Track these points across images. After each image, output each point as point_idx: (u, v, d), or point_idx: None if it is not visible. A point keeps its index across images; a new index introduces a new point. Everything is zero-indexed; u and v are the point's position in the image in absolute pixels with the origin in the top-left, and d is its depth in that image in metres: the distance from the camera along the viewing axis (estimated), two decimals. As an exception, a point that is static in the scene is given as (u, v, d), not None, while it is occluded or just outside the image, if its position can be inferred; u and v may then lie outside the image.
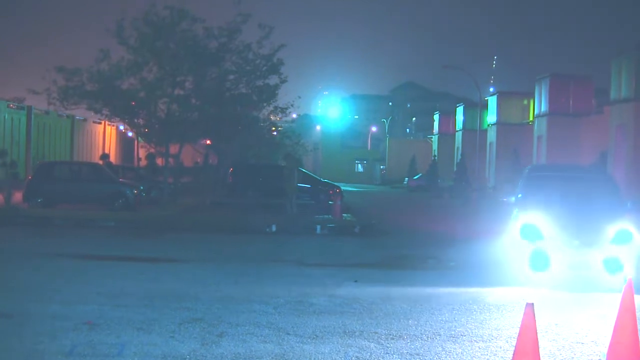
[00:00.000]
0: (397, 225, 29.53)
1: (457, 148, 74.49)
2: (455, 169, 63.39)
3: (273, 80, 33.45)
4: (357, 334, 10.33)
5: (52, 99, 31.77)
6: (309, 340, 9.89)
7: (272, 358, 8.99)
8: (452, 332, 10.63)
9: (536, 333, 7.64)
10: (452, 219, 33.94)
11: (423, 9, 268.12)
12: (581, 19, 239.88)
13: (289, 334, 10.18)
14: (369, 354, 9.33)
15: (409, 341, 10.04)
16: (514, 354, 7.70)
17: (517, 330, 7.83)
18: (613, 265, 14.56)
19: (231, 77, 33.09)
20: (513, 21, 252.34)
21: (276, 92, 33.88)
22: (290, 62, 34.69)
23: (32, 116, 60.45)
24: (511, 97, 64.32)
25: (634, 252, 14.71)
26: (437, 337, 10.34)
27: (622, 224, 14.96)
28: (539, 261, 14.87)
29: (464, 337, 10.35)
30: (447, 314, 11.81)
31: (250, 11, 31.75)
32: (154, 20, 30.83)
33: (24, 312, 11.19)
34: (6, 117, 57.71)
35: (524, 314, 7.66)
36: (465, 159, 60.00)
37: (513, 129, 60.76)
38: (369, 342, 9.90)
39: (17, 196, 29.23)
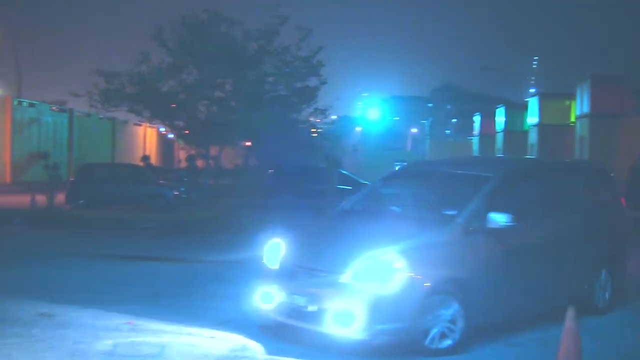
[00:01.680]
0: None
1: (498, 149, 73.98)
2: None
3: (312, 82, 33.45)
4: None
5: (94, 102, 32.00)
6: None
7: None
8: None
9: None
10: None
11: (463, 9, 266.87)
12: (622, 20, 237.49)
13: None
14: None
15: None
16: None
17: None
18: (340, 316, 9.62)
19: (270, 79, 33.11)
20: (554, 21, 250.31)
21: (316, 93, 33.84)
22: (329, 64, 34.61)
23: (74, 119, 61.05)
24: (552, 98, 63.67)
25: (379, 295, 9.60)
26: None
27: (384, 251, 9.84)
28: (265, 295, 10.65)
29: None
30: None
31: (288, 13, 31.78)
32: (193, 23, 30.98)
33: (65, 312, 11.33)
34: (49, 120, 58.30)
35: (567, 318, 8.06)
36: None
37: (554, 131, 60.16)
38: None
39: (60, 198, 29.53)
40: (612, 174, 14.45)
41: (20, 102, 55.87)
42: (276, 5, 31.68)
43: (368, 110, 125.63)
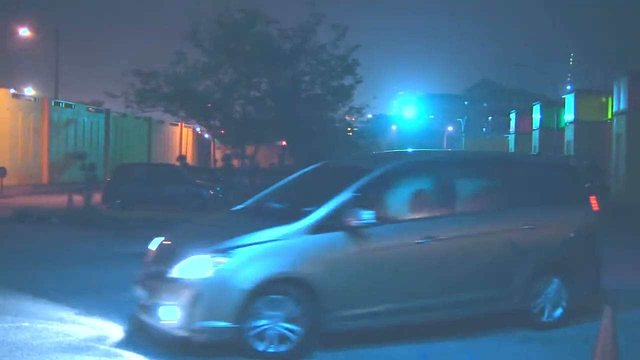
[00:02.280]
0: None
1: (534, 147, 73.47)
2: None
3: (348, 80, 33.30)
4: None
5: (130, 102, 32.08)
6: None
7: None
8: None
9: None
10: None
11: (500, 6, 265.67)
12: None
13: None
14: None
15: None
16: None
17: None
18: (166, 311, 9.68)
19: (306, 78, 33.02)
20: (591, 17, 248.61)
21: (351, 92, 33.68)
22: (365, 63, 34.42)
23: (110, 119, 61.46)
24: (589, 95, 63.12)
25: (199, 292, 9.50)
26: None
27: (210, 249, 9.73)
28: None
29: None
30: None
31: (323, 12, 31.67)
32: (228, 22, 30.96)
33: (105, 314, 11.39)
34: (85, 120, 58.71)
35: (604, 315, 7.89)
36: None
37: (591, 128, 59.61)
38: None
39: (97, 198, 29.67)
40: (575, 171, 13.27)
41: (57, 103, 56.23)
42: (311, 4, 31.64)
43: (404, 109, 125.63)
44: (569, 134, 63.51)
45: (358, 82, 33.43)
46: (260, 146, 36.01)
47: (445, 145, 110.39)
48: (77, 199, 28.71)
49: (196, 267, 9.54)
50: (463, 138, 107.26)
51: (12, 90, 54.30)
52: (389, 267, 10.25)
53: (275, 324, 9.52)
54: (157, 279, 10.00)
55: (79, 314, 11.50)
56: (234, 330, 9.38)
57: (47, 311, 11.63)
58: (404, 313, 10.39)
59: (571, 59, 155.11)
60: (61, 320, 11.11)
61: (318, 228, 9.93)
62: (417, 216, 10.86)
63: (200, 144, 78.49)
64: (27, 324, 10.68)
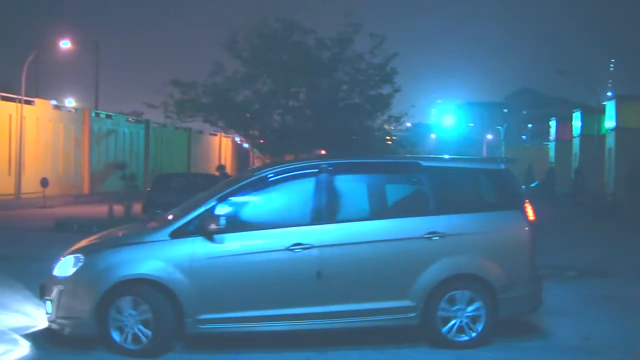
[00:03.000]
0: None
1: (575, 154, 72.88)
2: (573, 176, 62.06)
3: (386, 89, 33.26)
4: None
5: (169, 112, 32.29)
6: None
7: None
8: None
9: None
10: (570, 227, 33.19)
11: (537, 13, 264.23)
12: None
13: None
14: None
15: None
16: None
17: None
18: (48, 306, 10.59)
19: (344, 87, 33.05)
20: (632, 23, 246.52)
21: (390, 101, 33.63)
22: (404, 71, 34.34)
23: (150, 129, 61.85)
24: (631, 101, 62.26)
25: (62, 288, 10.34)
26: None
27: (77, 249, 10.82)
28: None
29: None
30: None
31: (361, 21, 31.71)
32: (266, 33, 31.06)
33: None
34: (125, 130, 59.17)
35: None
36: (583, 166, 58.65)
37: (633, 134, 58.85)
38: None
39: (137, 207, 29.85)
40: (505, 177, 11.45)
41: (97, 114, 56.72)
42: (349, 13, 31.68)
43: (443, 117, 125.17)
44: (609, 141, 62.85)
45: (396, 90, 33.37)
46: (299, 155, 36.05)
47: (485, 154, 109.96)
48: (118, 208, 28.92)
49: (65, 265, 10.41)
50: (503, 146, 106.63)
51: (54, 102, 54.94)
52: (251, 273, 10.28)
53: (131, 322, 10.05)
54: (49, 277, 10.75)
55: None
56: (94, 325, 10.03)
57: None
58: (273, 320, 10.32)
59: (612, 65, 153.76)
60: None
61: (179, 233, 10.25)
62: (288, 224, 10.62)
63: (239, 154, 78.74)
64: None
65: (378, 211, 11.02)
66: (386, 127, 37.06)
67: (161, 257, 10.15)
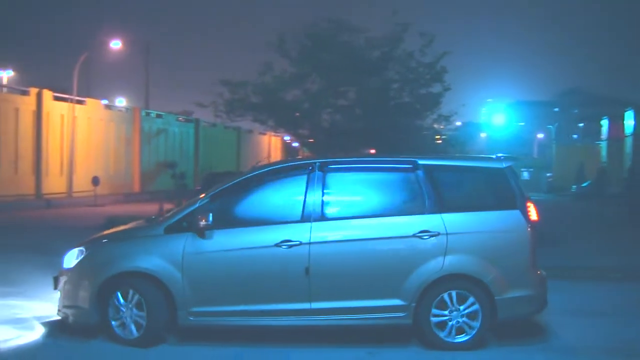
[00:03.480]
0: (565, 234, 28.80)
1: (627, 154, 72.08)
2: (626, 175, 61.34)
3: (436, 88, 33.07)
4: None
5: (219, 112, 32.40)
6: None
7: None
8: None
9: None
10: (621, 228, 32.81)
11: (591, 11, 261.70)
12: None
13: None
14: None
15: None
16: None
17: None
18: (58, 296, 11.48)
19: (394, 86, 32.91)
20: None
21: (440, 100, 33.45)
22: (454, 70, 34.10)
23: (200, 129, 62.21)
24: (683, 99, 61.66)
25: (66, 278, 11.20)
26: None
27: (83, 243, 11.63)
28: None
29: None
30: None
31: (412, 20, 31.50)
32: (315, 32, 30.99)
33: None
34: (175, 130, 59.62)
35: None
36: (635, 165, 57.94)
37: (686, 132, 58.26)
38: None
39: (186, 206, 29.96)
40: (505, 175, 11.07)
41: (148, 114, 57.19)
42: (395, 12, 31.51)
43: (493, 116, 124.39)
44: (663, 140, 62.15)
45: (446, 89, 33.15)
46: (348, 154, 35.97)
47: (535, 153, 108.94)
48: (168, 207, 29.07)
49: (70, 258, 11.11)
50: (554, 145, 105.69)
51: (105, 101, 55.45)
52: (240, 268, 10.56)
53: (128, 313, 10.62)
54: (60, 269, 11.46)
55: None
56: (94, 314, 10.67)
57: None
58: (263, 315, 10.56)
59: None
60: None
61: (173, 229, 10.75)
62: (278, 221, 10.81)
63: (289, 153, 78.92)
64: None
65: (369, 209, 11.02)
66: (436, 126, 36.88)
67: (156, 252, 10.64)
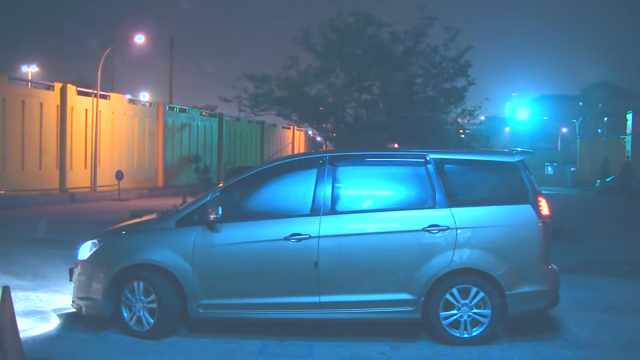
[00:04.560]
0: (588, 229, 28.63)
1: (652, 149, 71.69)
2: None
3: (461, 82, 33.01)
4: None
5: (243, 106, 32.51)
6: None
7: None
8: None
9: None
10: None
11: (618, 4, 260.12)
12: None
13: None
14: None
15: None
16: None
17: None
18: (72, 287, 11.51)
19: (418, 80, 32.86)
20: None
21: (464, 94, 33.39)
22: (477, 64, 34.02)
23: (224, 123, 62.23)
24: None
25: (81, 270, 11.16)
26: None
27: (98, 235, 11.63)
28: None
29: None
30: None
31: (435, 14, 31.49)
32: (341, 26, 30.96)
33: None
34: (199, 124, 59.64)
35: None
36: None
37: None
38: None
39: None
40: (516, 169, 10.83)
41: (171, 108, 57.26)
42: (422, 6, 31.45)
43: (517, 110, 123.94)
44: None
45: (470, 83, 33.10)
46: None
47: (559, 147, 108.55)
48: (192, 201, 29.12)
49: (84, 250, 11.04)
50: (578, 140, 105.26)
51: (129, 96, 55.57)
52: (249, 261, 10.42)
53: (139, 305, 10.53)
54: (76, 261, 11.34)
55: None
56: (106, 306, 10.60)
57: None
58: (272, 308, 10.38)
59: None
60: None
61: (184, 222, 10.67)
62: (288, 214, 10.64)
63: (312, 147, 78.93)
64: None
65: (379, 203, 10.87)
66: (460, 120, 36.81)
67: (167, 245, 10.58)
